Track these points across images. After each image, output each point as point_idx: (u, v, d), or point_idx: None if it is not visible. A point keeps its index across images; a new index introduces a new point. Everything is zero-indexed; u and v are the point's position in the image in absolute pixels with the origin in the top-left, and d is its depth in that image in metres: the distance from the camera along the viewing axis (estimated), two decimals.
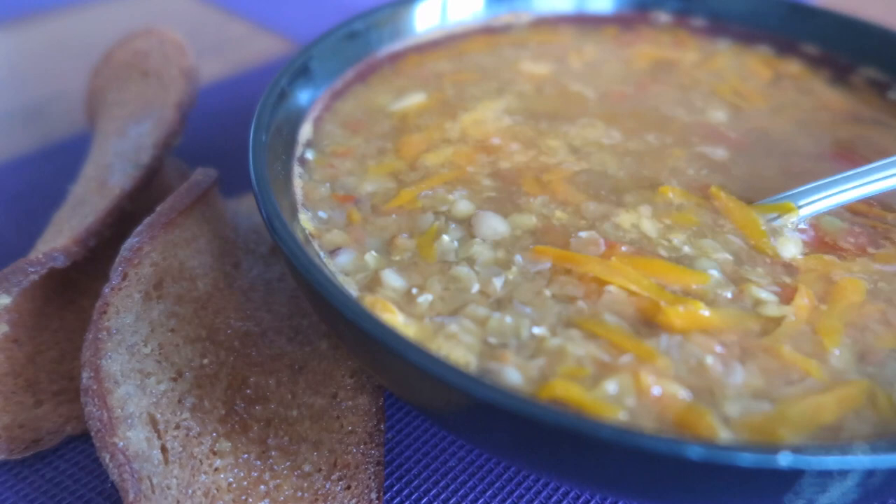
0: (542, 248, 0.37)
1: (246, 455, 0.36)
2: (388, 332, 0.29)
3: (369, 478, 0.37)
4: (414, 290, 0.36)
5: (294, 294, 0.45)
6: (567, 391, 0.30)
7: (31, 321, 0.42)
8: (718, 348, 0.33)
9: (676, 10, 0.55)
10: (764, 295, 0.35)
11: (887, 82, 0.53)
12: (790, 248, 0.38)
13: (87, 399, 0.35)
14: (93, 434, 0.34)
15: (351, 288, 0.36)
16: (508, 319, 0.34)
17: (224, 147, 0.63)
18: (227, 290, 0.43)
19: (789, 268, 0.37)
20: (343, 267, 0.37)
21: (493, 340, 0.33)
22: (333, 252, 0.38)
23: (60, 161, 0.63)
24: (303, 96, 0.47)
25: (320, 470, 0.37)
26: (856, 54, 0.54)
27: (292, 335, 0.43)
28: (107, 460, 0.34)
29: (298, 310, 0.44)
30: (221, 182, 0.48)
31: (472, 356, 0.32)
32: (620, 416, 0.30)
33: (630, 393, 0.31)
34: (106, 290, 0.38)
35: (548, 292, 0.35)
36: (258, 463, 0.36)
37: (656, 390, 0.31)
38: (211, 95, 0.70)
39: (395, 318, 0.34)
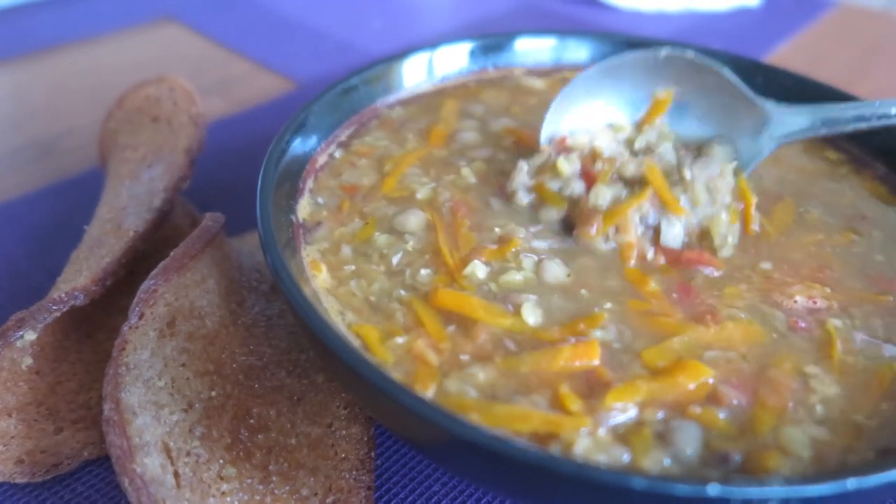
0: None
1: (250, 480, 0.40)
2: (387, 379, 0.33)
3: (360, 502, 0.41)
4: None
5: (292, 329, 0.49)
6: None
7: (52, 354, 0.46)
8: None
9: None
10: None
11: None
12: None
13: (109, 429, 0.39)
14: (113, 461, 0.38)
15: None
16: None
17: (227, 186, 0.67)
18: (233, 327, 0.47)
19: None
20: None
21: None
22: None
23: (73, 196, 0.66)
24: (302, 149, 0.51)
25: (316, 494, 0.41)
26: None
27: (291, 368, 0.47)
28: (126, 485, 0.38)
29: (296, 344, 0.48)
30: (225, 221, 0.52)
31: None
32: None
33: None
34: (125, 328, 0.42)
35: None
36: (261, 487, 0.40)
37: None
38: (213, 134, 0.73)
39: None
